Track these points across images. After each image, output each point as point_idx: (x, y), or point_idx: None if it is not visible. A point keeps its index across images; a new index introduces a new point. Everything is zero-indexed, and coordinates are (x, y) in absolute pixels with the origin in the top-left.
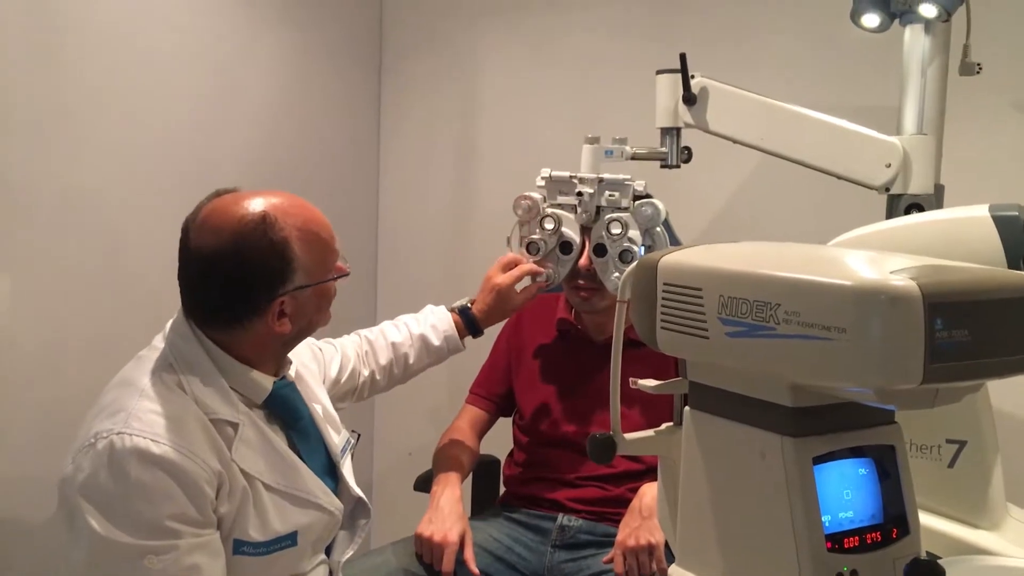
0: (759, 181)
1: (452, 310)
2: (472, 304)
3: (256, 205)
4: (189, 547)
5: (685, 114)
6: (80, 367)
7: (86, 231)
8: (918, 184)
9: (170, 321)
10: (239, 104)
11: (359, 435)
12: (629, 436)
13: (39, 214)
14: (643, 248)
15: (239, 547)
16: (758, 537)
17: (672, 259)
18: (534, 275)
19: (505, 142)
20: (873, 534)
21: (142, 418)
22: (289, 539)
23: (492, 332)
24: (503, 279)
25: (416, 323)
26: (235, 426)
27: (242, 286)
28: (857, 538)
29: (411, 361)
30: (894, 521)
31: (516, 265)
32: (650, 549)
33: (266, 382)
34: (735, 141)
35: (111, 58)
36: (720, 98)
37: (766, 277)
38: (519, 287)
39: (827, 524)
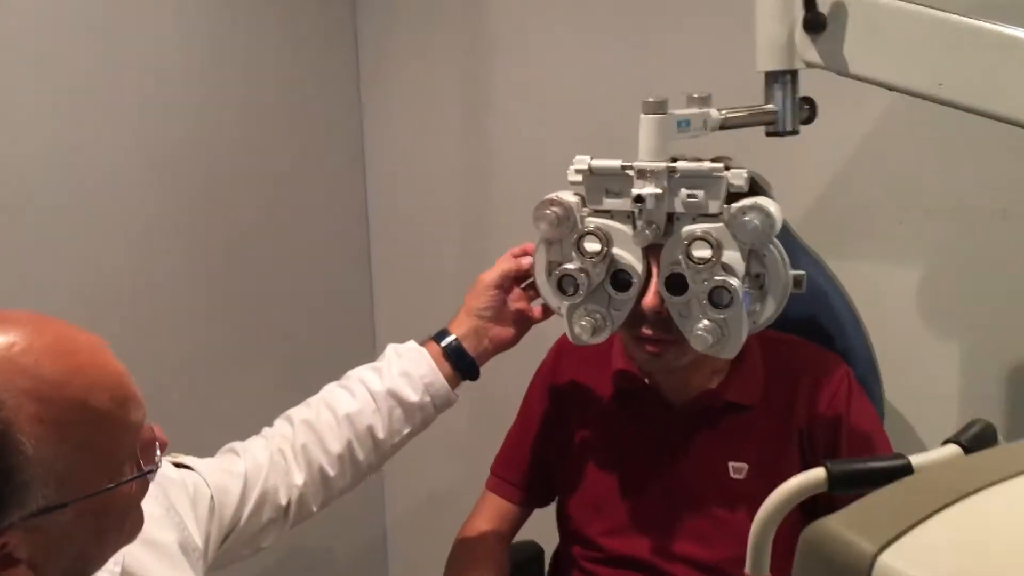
0: (904, 139)
1: (427, 342)
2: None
3: None
4: None
5: (807, 48)
6: None
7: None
8: None
9: None
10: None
11: None
12: None
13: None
14: (747, 283)
15: None
16: None
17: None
18: (524, 280)
19: (526, 99)
20: None
21: None
22: None
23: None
24: (485, 276)
25: (377, 375)
26: None
27: None
28: None
29: (380, 435)
30: None
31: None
32: None
33: None
34: (893, 88)
35: (95, 49)
36: (867, 18)
37: None
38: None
39: None
